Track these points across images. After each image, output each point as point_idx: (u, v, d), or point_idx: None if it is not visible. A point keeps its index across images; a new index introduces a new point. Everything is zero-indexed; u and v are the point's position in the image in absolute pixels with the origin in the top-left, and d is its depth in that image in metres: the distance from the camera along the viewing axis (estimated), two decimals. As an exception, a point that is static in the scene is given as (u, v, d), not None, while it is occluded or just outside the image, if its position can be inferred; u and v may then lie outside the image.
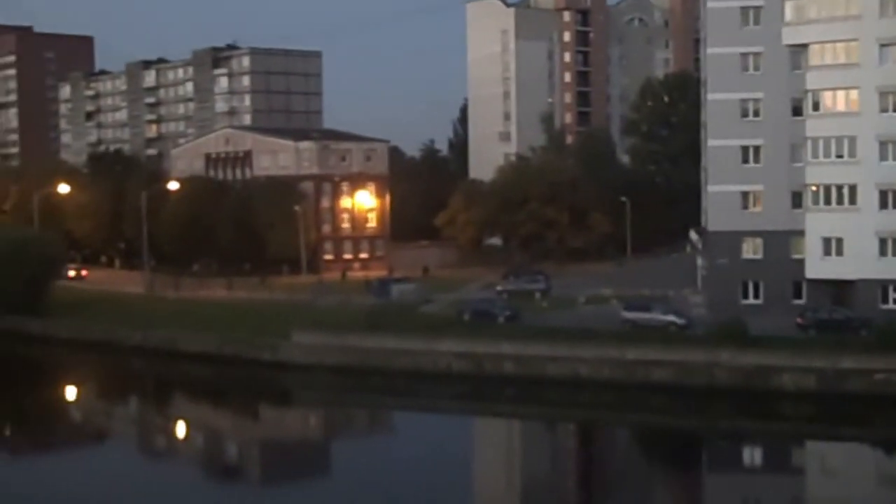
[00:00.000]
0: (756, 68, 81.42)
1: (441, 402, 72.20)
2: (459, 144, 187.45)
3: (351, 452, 61.03)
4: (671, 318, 76.16)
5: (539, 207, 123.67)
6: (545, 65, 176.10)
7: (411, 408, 72.62)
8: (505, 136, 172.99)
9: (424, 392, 73.13)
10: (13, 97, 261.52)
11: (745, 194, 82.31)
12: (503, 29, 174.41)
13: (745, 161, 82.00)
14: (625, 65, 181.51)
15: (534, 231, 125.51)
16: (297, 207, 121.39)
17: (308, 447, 65.14)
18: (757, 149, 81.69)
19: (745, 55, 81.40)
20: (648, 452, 62.09)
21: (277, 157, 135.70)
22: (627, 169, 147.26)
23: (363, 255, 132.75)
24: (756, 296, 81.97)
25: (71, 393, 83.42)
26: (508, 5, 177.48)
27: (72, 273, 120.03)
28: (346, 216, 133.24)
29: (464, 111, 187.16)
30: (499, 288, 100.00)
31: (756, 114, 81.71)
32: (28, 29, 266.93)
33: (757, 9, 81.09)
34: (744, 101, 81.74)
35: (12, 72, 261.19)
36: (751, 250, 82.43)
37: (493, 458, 61.20)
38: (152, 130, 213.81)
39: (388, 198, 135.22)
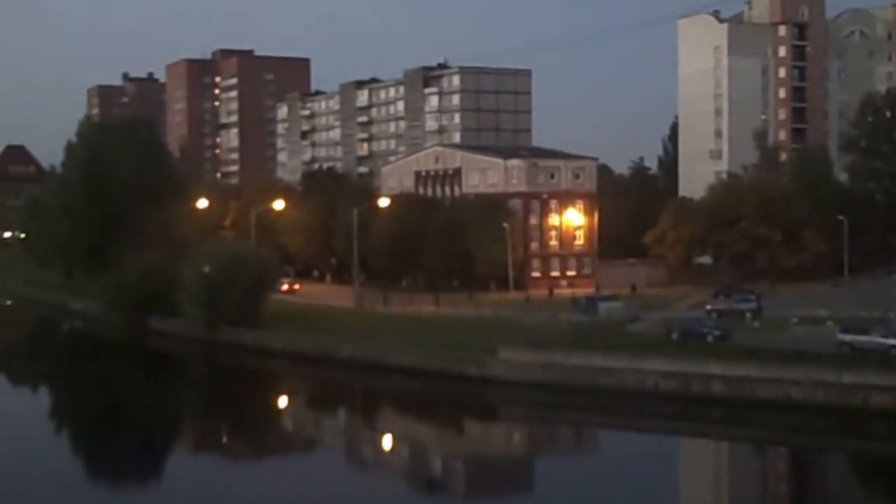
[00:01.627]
0: None
1: (647, 421, 71.02)
2: (669, 162, 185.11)
3: (555, 469, 60.57)
4: (892, 341, 72.71)
5: (751, 226, 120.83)
6: (759, 81, 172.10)
7: (617, 426, 71.71)
8: (716, 154, 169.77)
9: (630, 411, 72.07)
10: (234, 118, 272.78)
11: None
12: (716, 45, 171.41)
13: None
14: (844, 79, 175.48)
15: (745, 250, 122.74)
16: (505, 224, 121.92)
17: (512, 463, 65.07)
18: None
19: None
20: (866, 481, 59.42)
21: (486, 175, 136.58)
22: (845, 187, 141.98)
23: (570, 273, 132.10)
24: None
25: (284, 403, 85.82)
26: (721, 21, 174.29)
27: (285, 287, 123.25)
28: (553, 233, 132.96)
29: (674, 128, 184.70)
30: (708, 307, 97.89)
31: None
32: (249, 52, 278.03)
33: None
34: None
35: (234, 94, 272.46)
36: (980, 271, 78.09)
37: (700, 480, 59.71)
38: (364, 149, 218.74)
39: (596, 215, 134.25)
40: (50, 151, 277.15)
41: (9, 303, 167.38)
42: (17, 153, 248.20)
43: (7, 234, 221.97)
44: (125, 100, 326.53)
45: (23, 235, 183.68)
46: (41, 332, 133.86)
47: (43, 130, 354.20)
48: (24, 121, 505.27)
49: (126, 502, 54.82)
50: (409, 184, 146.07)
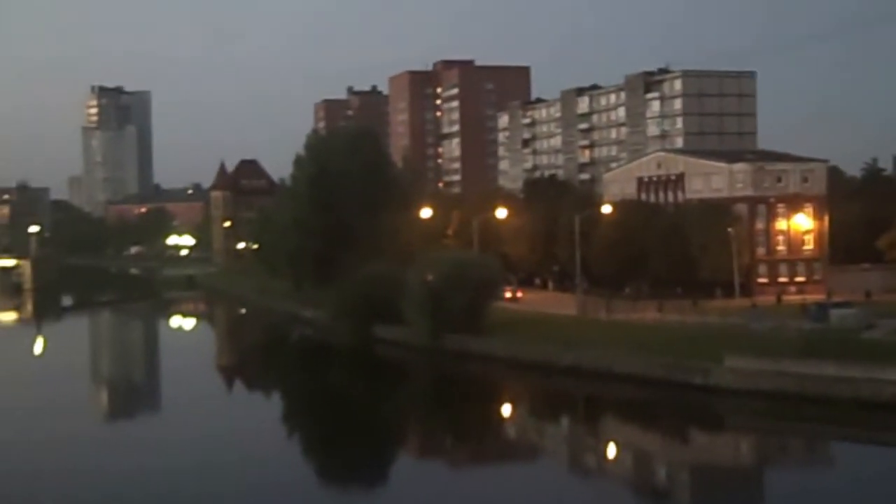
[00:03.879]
0: None
1: (887, 434, 67.86)
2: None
3: (788, 484, 58.56)
4: None
5: None
6: None
7: (853, 439, 68.74)
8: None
9: (867, 422, 69.00)
10: (456, 128, 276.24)
11: None
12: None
13: None
14: None
15: None
16: (730, 230, 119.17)
17: (741, 475, 63.19)
18: None
19: None
20: None
21: (710, 180, 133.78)
22: None
23: (799, 279, 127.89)
24: None
25: (507, 410, 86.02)
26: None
27: (508, 294, 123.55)
28: (781, 238, 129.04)
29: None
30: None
31: None
32: (470, 63, 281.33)
33: None
34: None
35: (455, 104, 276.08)
36: None
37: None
38: (585, 155, 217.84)
39: (826, 219, 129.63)
40: (280, 165, 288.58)
41: (243, 311, 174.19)
42: (250, 168, 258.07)
43: (241, 246, 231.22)
44: (350, 112, 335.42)
45: (255, 246, 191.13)
46: (273, 340, 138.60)
47: (274, 145, 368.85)
48: (256, 137, 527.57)
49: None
50: (631, 190, 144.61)
